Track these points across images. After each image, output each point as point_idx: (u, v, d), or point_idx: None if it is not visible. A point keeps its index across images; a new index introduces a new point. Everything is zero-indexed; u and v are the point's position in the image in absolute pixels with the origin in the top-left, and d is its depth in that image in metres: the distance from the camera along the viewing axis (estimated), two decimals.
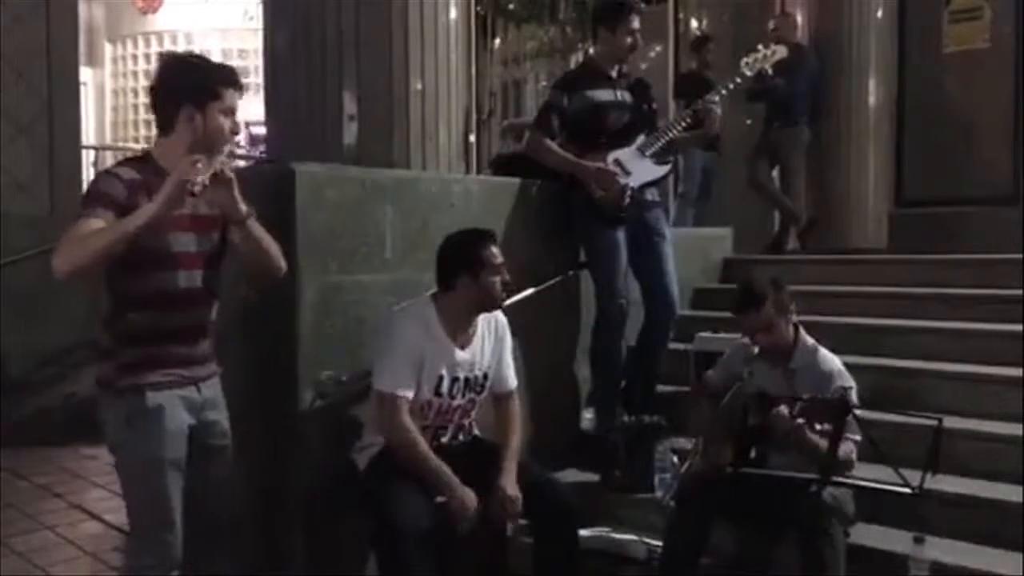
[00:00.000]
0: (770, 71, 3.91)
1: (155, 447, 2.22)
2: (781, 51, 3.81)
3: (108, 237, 2.06)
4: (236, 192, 2.20)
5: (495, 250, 2.83)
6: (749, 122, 6.37)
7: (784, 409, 2.61)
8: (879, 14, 6.17)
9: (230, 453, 2.44)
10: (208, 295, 2.33)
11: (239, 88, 2.29)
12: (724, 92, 3.71)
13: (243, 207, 2.23)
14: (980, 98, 5.76)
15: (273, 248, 2.36)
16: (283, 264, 2.42)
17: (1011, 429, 3.22)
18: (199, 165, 2.07)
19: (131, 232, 2.05)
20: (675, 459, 3.35)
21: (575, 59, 4.00)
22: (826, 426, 2.50)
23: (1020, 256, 4.07)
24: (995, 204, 5.60)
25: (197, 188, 2.05)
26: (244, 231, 2.27)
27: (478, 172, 7.15)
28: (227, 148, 2.27)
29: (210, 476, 2.36)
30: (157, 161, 2.24)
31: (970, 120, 5.83)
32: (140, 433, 2.21)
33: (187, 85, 2.24)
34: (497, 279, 2.81)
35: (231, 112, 2.27)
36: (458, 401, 2.88)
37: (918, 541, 2.62)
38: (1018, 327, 3.66)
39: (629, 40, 3.74)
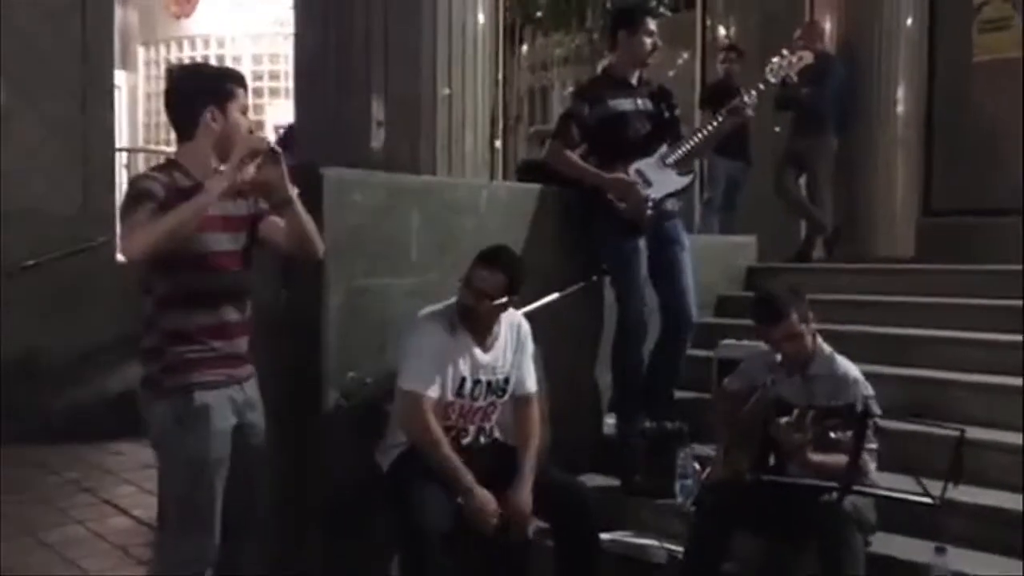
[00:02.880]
0: (795, 77, 3.90)
1: (202, 446, 2.27)
2: (807, 57, 3.80)
3: (178, 216, 2.14)
4: (285, 170, 2.28)
5: (483, 274, 2.82)
6: (778, 129, 6.36)
7: (784, 421, 2.61)
8: (908, 22, 6.13)
9: (265, 453, 2.48)
10: (244, 293, 2.40)
11: (246, 87, 2.42)
12: (754, 93, 3.70)
13: (291, 185, 2.31)
14: (1009, 108, 5.72)
15: (312, 229, 2.43)
16: (322, 246, 2.49)
17: None
18: (254, 140, 2.23)
19: (201, 208, 2.15)
20: (696, 465, 3.35)
21: (602, 66, 4.01)
22: (841, 435, 2.50)
23: None
24: (1021, 214, 5.55)
25: (268, 146, 2.21)
26: (290, 211, 2.35)
27: (504, 178, 7.19)
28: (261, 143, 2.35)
29: (247, 475, 2.40)
30: (184, 166, 2.33)
31: (999, 130, 5.78)
32: (188, 432, 2.26)
33: (205, 89, 2.34)
34: (466, 291, 2.82)
35: (245, 110, 2.38)
36: (480, 403, 2.92)
37: (940, 551, 2.61)
38: None
39: (648, 43, 3.73)
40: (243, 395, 2.39)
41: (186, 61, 10.49)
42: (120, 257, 2.27)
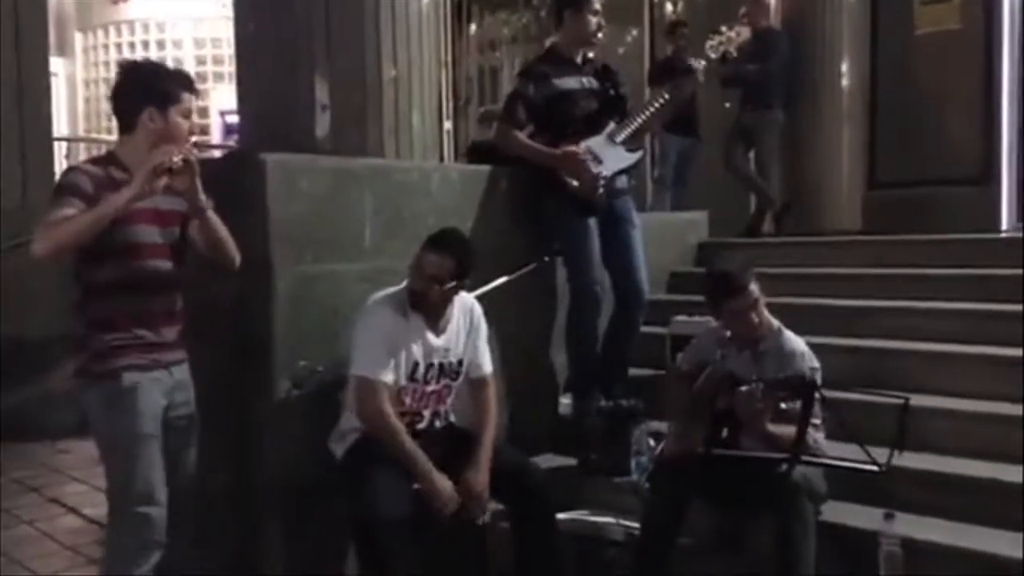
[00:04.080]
0: (734, 52, 3.92)
1: (133, 423, 2.34)
2: (744, 33, 3.85)
3: (86, 220, 2.21)
4: (198, 181, 2.33)
5: (431, 258, 2.80)
6: (728, 105, 6.40)
7: (745, 389, 2.64)
8: None
9: (197, 432, 2.56)
10: (172, 284, 2.47)
11: (195, 92, 2.49)
12: (711, 56, 3.69)
13: (203, 196, 2.37)
14: (950, 79, 5.81)
15: (228, 241, 2.50)
16: (237, 257, 2.54)
17: (980, 406, 3.27)
18: (169, 152, 2.25)
19: (109, 214, 2.22)
20: (651, 442, 3.38)
21: (547, 45, 4.00)
22: (792, 405, 2.54)
23: (989, 236, 4.13)
24: (966, 184, 5.67)
25: (176, 163, 2.23)
26: (202, 221, 2.41)
27: (456, 159, 7.14)
28: (187, 145, 2.41)
29: (179, 453, 2.49)
30: (120, 159, 2.41)
31: (941, 101, 5.88)
32: (118, 412, 2.33)
33: (149, 89, 2.39)
34: (412, 277, 2.81)
35: (188, 114, 2.45)
36: (432, 387, 2.90)
37: (888, 517, 2.67)
38: (991, 306, 3.71)
39: (593, 22, 3.73)
40: (171, 378, 2.46)
41: (125, 46, 10.26)
42: None
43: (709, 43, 3.75)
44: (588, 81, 3.77)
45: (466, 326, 2.96)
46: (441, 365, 2.90)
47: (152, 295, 2.41)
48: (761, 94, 5.97)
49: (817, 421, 2.71)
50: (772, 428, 2.70)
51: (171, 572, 2.44)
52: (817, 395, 2.50)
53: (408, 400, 2.86)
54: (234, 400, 3.01)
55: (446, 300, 2.87)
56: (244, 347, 3.04)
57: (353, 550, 2.83)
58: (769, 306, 2.97)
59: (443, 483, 2.75)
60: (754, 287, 2.88)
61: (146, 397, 2.36)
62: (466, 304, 2.99)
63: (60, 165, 6.93)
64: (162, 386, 2.42)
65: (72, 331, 2.40)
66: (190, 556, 2.55)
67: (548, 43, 4.09)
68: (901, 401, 2.31)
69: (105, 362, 2.34)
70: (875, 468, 2.27)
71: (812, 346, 2.96)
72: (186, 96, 2.42)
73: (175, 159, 2.24)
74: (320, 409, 3.00)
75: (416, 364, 2.84)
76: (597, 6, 3.75)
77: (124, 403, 2.33)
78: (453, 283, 2.82)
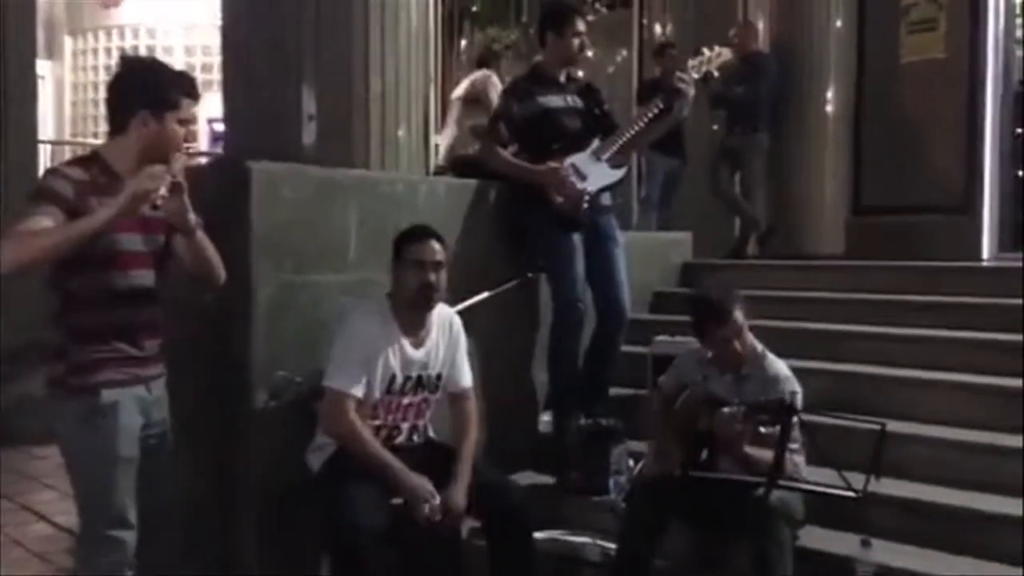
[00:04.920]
0: (715, 73, 3.94)
1: (110, 444, 2.24)
2: (725, 54, 3.85)
3: (56, 238, 2.09)
4: (187, 202, 2.23)
5: (426, 246, 2.81)
6: (716, 128, 6.44)
7: (726, 411, 2.64)
8: (839, 23, 6.25)
9: (171, 452, 2.47)
10: (153, 294, 2.35)
11: (197, 99, 2.33)
12: (694, 76, 3.69)
13: (193, 217, 2.27)
14: (935, 107, 5.86)
15: (215, 259, 2.41)
16: (223, 274, 2.46)
17: (957, 434, 3.28)
18: (158, 178, 2.12)
19: (82, 235, 2.09)
20: (631, 462, 3.37)
21: (531, 64, 4.02)
22: (771, 429, 2.53)
23: (970, 264, 4.16)
24: (948, 212, 5.71)
25: (159, 201, 2.12)
26: (191, 241, 2.32)
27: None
28: (179, 155, 2.29)
29: (153, 473, 2.38)
30: (107, 161, 2.27)
31: (925, 129, 5.92)
32: (95, 431, 2.23)
33: (147, 90, 2.27)
34: (416, 275, 2.79)
35: (186, 122, 2.30)
36: (409, 399, 2.88)
37: (865, 544, 2.66)
38: (971, 334, 3.73)
39: (576, 43, 3.75)
40: (150, 395, 2.37)
41: (115, 51, 10.22)
42: None
43: (691, 62, 3.77)
44: (572, 99, 3.79)
45: (445, 339, 2.94)
46: (419, 378, 2.88)
47: (134, 306, 2.30)
48: (748, 117, 6.01)
49: (796, 445, 2.71)
50: (751, 451, 2.69)
51: None
52: (796, 419, 2.49)
53: (383, 413, 2.84)
54: (213, 409, 2.97)
55: (441, 289, 2.85)
56: (223, 356, 3.01)
57: (327, 563, 2.80)
58: (752, 328, 2.97)
59: (419, 481, 2.71)
60: (739, 314, 2.87)
61: (125, 416, 2.26)
62: (445, 316, 2.98)
63: (44, 168, 6.88)
64: (141, 403, 2.32)
65: (49, 340, 2.28)
66: (169, 563, 2.47)
67: (533, 62, 4.10)
68: (878, 427, 2.31)
69: (84, 376, 2.23)
70: (852, 494, 2.26)
71: (792, 369, 2.96)
72: (186, 102, 2.29)
73: (162, 192, 2.11)
74: (297, 421, 2.97)
75: (393, 376, 2.82)
76: (581, 28, 3.76)
77: (103, 422, 2.23)
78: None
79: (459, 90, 7.23)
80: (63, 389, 2.25)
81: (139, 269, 2.29)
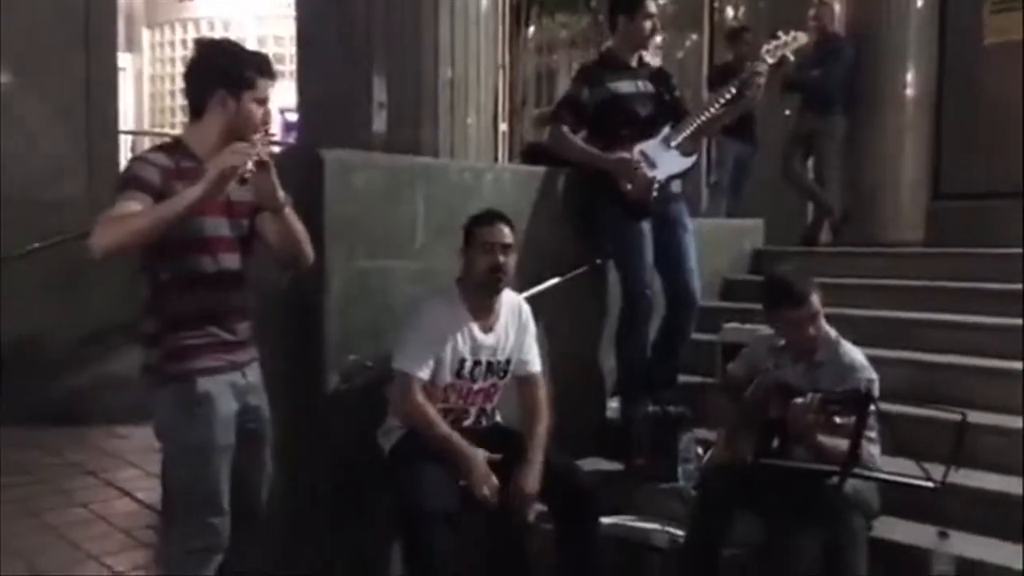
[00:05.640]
0: (791, 57, 3.84)
1: (207, 433, 2.25)
2: (801, 38, 3.75)
3: (149, 219, 2.09)
4: (275, 179, 2.22)
5: (496, 228, 2.84)
6: (788, 113, 6.31)
7: (800, 401, 2.59)
8: (919, 4, 6.04)
9: (270, 438, 2.47)
10: (242, 278, 2.36)
11: (272, 77, 2.31)
12: (769, 61, 3.63)
13: (282, 194, 2.26)
14: (1018, 90, 5.64)
15: (304, 237, 2.38)
16: (311, 253, 2.43)
17: None
18: (243, 153, 2.10)
19: (172, 216, 2.09)
20: (699, 450, 3.34)
21: (602, 49, 3.98)
22: (846, 420, 2.48)
23: None
24: None
25: (248, 175, 2.10)
26: (280, 219, 2.30)
27: (510, 161, 7.15)
28: (259, 135, 2.25)
29: (252, 461, 2.40)
30: (189, 147, 2.28)
31: (1009, 113, 5.71)
32: (191, 419, 2.24)
33: (222, 71, 2.26)
34: (486, 257, 2.81)
35: (263, 101, 2.29)
36: (479, 385, 2.91)
37: (942, 536, 2.61)
38: None
39: (647, 26, 3.71)
40: (244, 380, 2.36)
41: (191, 43, 10.46)
42: None
43: (766, 47, 3.69)
44: (643, 85, 3.75)
45: (515, 324, 2.96)
46: (489, 363, 2.90)
47: (223, 291, 2.29)
48: (823, 101, 5.87)
49: (873, 434, 2.65)
50: (824, 440, 2.64)
51: (225, 567, 2.36)
52: (872, 408, 2.44)
53: (454, 398, 2.88)
54: (285, 393, 3.04)
55: (510, 272, 2.87)
56: (296, 340, 3.07)
57: (399, 546, 2.85)
58: (826, 317, 2.92)
59: (480, 462, 2.74)
60: (815, 298, 2.82)
61: (222, 404, 2.26)
62: (514, 303, 2.99)
63: (126, 158, 7.10)
64: (236, 390, 2.32)
65: (142, 327, 2.28)
66: (259, 550, 2.50)
67: (603, 47, 4.07)
68: (959, 417, 2.24)
69: (179, 363, 2.23)
70: (930, 484, 2.21)
71: (868, 358, 2.89)
72: (262, 82, 2.26)
73: (249, 166, 2.09)
74: (369, 404, 3.02)
75: (463, 361, 2.85)
76: (652, 10, 3.72)
77: (199, 411, 2.23)
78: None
79: None
80: (159, 375, 2.26)
81: (227, 254, 2.30)
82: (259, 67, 2.29)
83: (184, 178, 2.18)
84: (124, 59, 9.04)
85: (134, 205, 2.11)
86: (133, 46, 10.67)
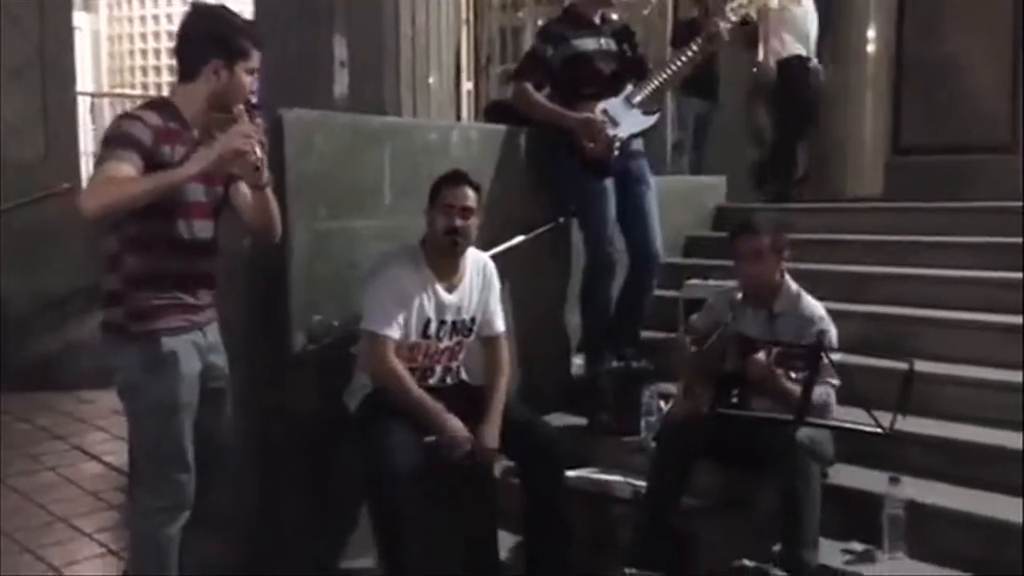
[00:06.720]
0: (754, 15, 3.86)
1: (172, 391, 2.28)
2: None
3: (142, 187, 2.10)
4: (264, 158, 2.25)
5: (459, 191, 2.85)
6: (755, 70, 6.31)
7: (761, 356, 2.65)
8: None
9: (230, 394, 2.51)
10: (213, 247, 2.38)
11: (262, 47, 2.34)
12: (732, 19, 3.64)
13: (266, 173, 2.29)
14: (979, 45, 5.69)
15: (276, 214, 2.43)
16: (279, 230, 2.49)
17: (993, 374, 3.27)
18: (249, 137, 2.17)
19: (168, 187, 2.13)
20: (661, 403, 3.41)
21: (565, 5, 3.96)
22: (803, 375, 2.53)
23: (1009, 204, 4.08)
24: (993, 152, 5.57)
25: (259, 160, 2.19)
26: (259, 195, 2.35)
27: (475, 119, 7.11)
28: (242, 106, 2.29)
29: (213, 417, 2.43)
30: (177, 107, 2.29)
31: (969, 68, 5.76)
32: (157, 378, 2.26)
33: (220, 40, 2.28)
34: (445, 219, 2.82)
35: (253, 71, 2.32)
36: (445, 344, 2.93)
37: (894, 481, 2.69)
38: (1009, 275, 3.68)
39: None
40: (205, 340, 2.39)
41: (149, 3, 10.25)
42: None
43: (730, 5, 3.70)
44: (606, 42, 3.74)
45: (479, 283, 2.98)
46: (454, 323, 2.93)
47: (194, 256, 2.32)
48: None
49: (834, 382, 2.72)
50: (787, 384, 2.70)
51: (191, 523, 2.40)
52: (825, 359, 2.50)
53: (420, 356, 2.90)
54: (250, 353, 3.05)
55: (473, 235, 2.89)
56: (261, 301, 3.08)
57: (367, 504, 2.89)
58: (789, 271, 2.97)
59: (454, 423, 2.78)
60: (767, 238, 2.89)
61: (185, 363, 2.29)
62: (479, 261, 3.01)
63: (83, 120, 6.97)
64: (198, 349, 2.34)
65: (105, 283, 2.29)
66: (223, 504, 2.54)
67: (567, 3, 4.05)
68: (906, 366, 2.31)
69: (143, 322, 2.24)
70: (879, 430, 2.28)
71: (828, 312, 2.95)
72: (255, 53, 2.30)
73: (259, 153, 2.18)
74: (335, 364, 3.04)
75: (428, 321, 2.87)
76: None
77: (164, 369, 2.25)
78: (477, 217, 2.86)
79: None
80: (123, 334, 2.26)
81: (201, 219, 2.32)
82: (253, 38, 2.32)
83: (172, 140, 2.20)
84: (80, 18, 8.81)
85: (124, 166, 2.10)
86: (90, 5, 10.40)
